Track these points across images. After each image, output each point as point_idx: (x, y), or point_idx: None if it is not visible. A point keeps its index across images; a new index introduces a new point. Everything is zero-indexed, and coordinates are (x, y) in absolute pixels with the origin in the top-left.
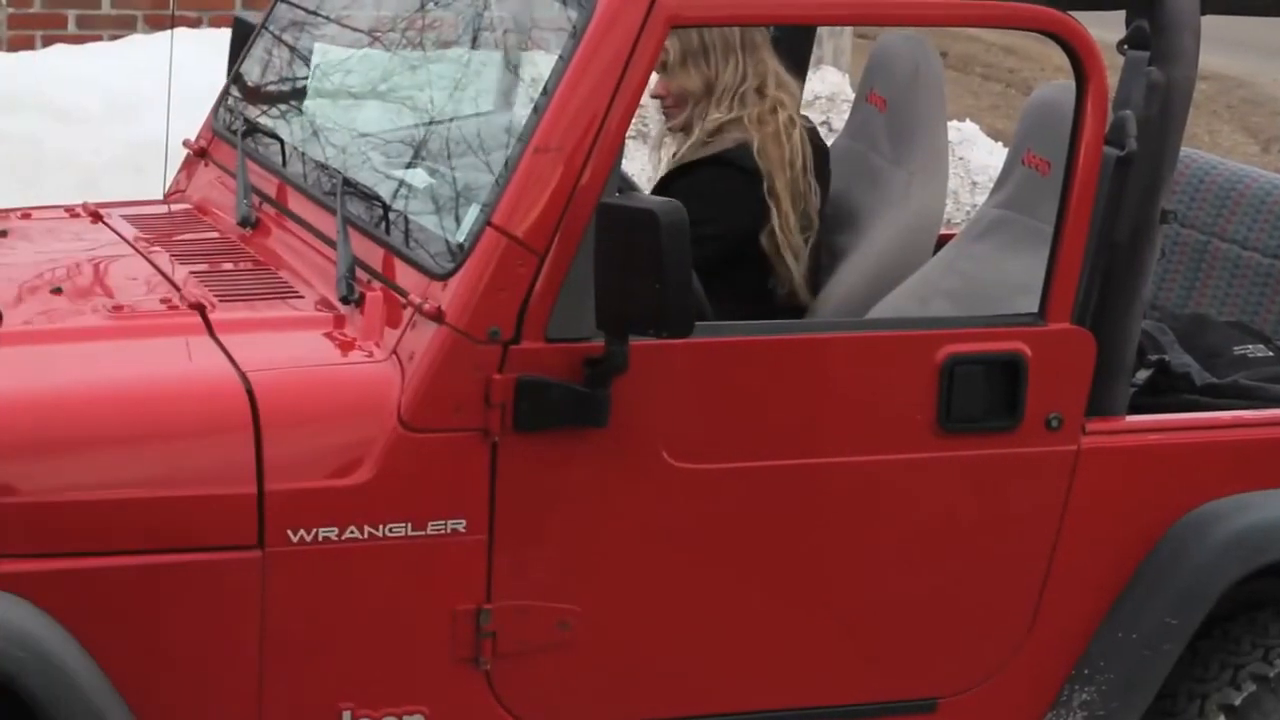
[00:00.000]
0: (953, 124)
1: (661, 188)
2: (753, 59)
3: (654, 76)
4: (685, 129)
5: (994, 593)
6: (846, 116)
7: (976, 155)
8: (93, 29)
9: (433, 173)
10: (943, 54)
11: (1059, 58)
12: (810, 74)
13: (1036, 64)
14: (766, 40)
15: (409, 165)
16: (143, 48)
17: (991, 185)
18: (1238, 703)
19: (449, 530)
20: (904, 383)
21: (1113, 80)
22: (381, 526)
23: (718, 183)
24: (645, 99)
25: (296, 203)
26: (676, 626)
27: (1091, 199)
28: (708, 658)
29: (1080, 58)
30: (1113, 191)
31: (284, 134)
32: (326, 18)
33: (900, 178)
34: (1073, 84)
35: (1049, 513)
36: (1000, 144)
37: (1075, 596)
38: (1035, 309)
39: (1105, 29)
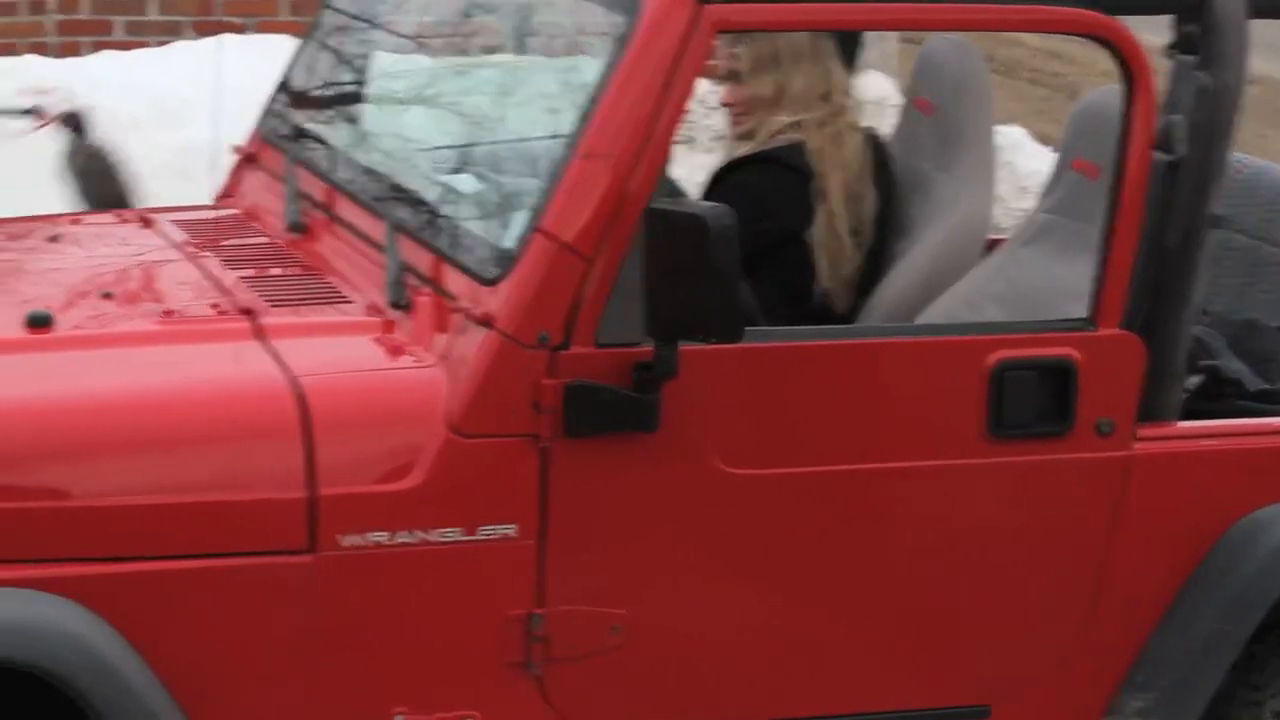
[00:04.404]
0: (999, 128)
1: (711, 185)
2: (821, 68)
3: (709, 85)
4: (751, 136)
5: (1047, 599)
6: (893, 121)
7: (1023, 160)
8: (140, 35)
9: (481, 178)
10: (989, 58)
11: (1106, 62)
12: (856, 79)
13: (1083, 68)
14: (834, 51)
15: (457, 170)
16: (190, 54)
17: (1038, 190)
18: None
19: (499, 535)
20: (954, 388)
21: (1161, 84)
22: (432, 531)
23: (762, 180)
24: (691, 103)
25: (345, 208)
26: (728, 632)
27: (1141, 204)
28: (759, 663)
29: (1128, 62)
30: (1162, 196)
31: (332, 139)
32: (374, 24)
33: (948, 183)
34: (1120, 89)
35: (1101, 519)
36: (1047, 149)
37: (1128, 603)
38: (1085, 314)
39: (1153, 33)
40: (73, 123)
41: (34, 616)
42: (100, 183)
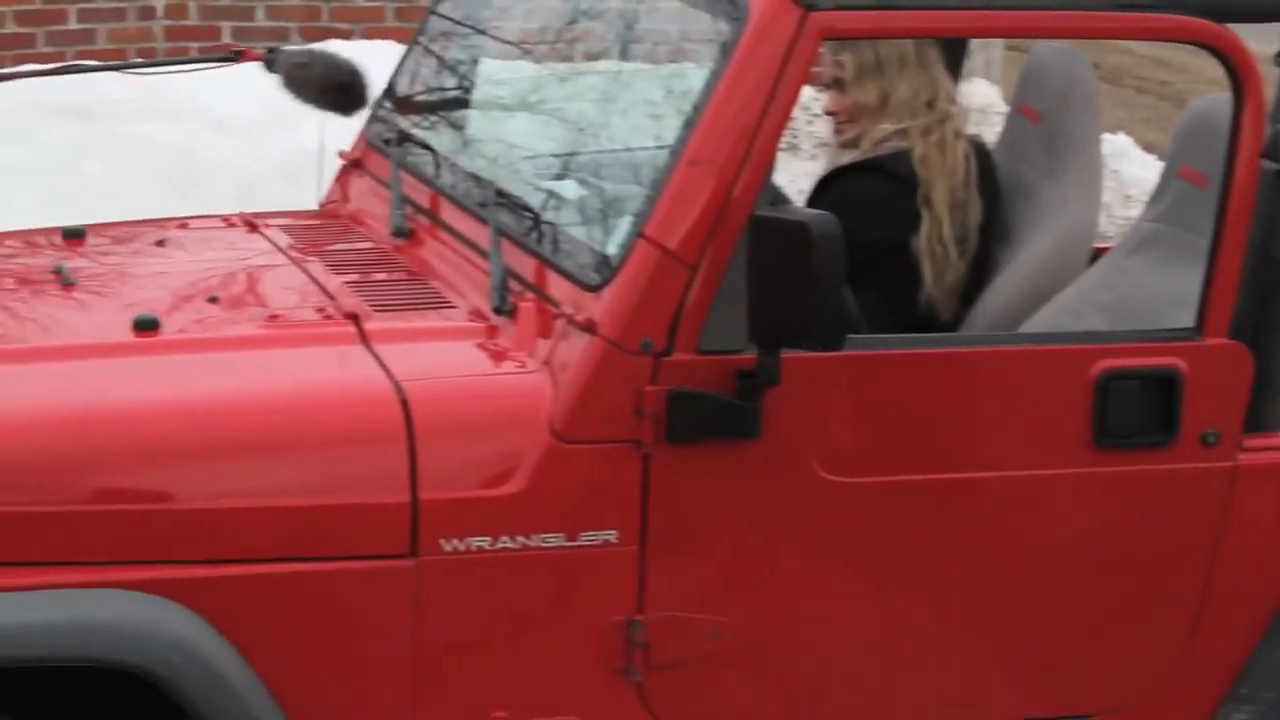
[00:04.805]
0: (1105, 136)
1: (816, 193)
2: (926, 75)
3: (812, 92)
4: (856, 144)
5: (1149, 609)
6: (997, 128)
7: (1129, 168)
8: (248, 41)
9: (584, 184)
10: (1094, 66)
11: (1213, 70)
12: (961, 86)
13: (1189, 76)
14: (939, 58)
15: (560, 177)
16: None
17: (1144, 198)
18: None
19: (601, 541)
20: (1058, 397)
21: (1270, 92)
22: (534, 536)
23: (867, 188)
24: (795, 110)
25: (449, 213)
26: (828, 640)
27: (1249, 213)
28: (859, 672)
29: (1237, 70)
30: (1271, 206)
31: (437, 145)
32: (479, 30)
33: (1054, 191)
34: (1229, 97)
35: (1205, 529)
36: (1153, 157)
37: (1232, 614)
38: (1191, 323)
39: (1262, 42)
40: (272, 55)
41: (140, 618)
42: (316, 76)
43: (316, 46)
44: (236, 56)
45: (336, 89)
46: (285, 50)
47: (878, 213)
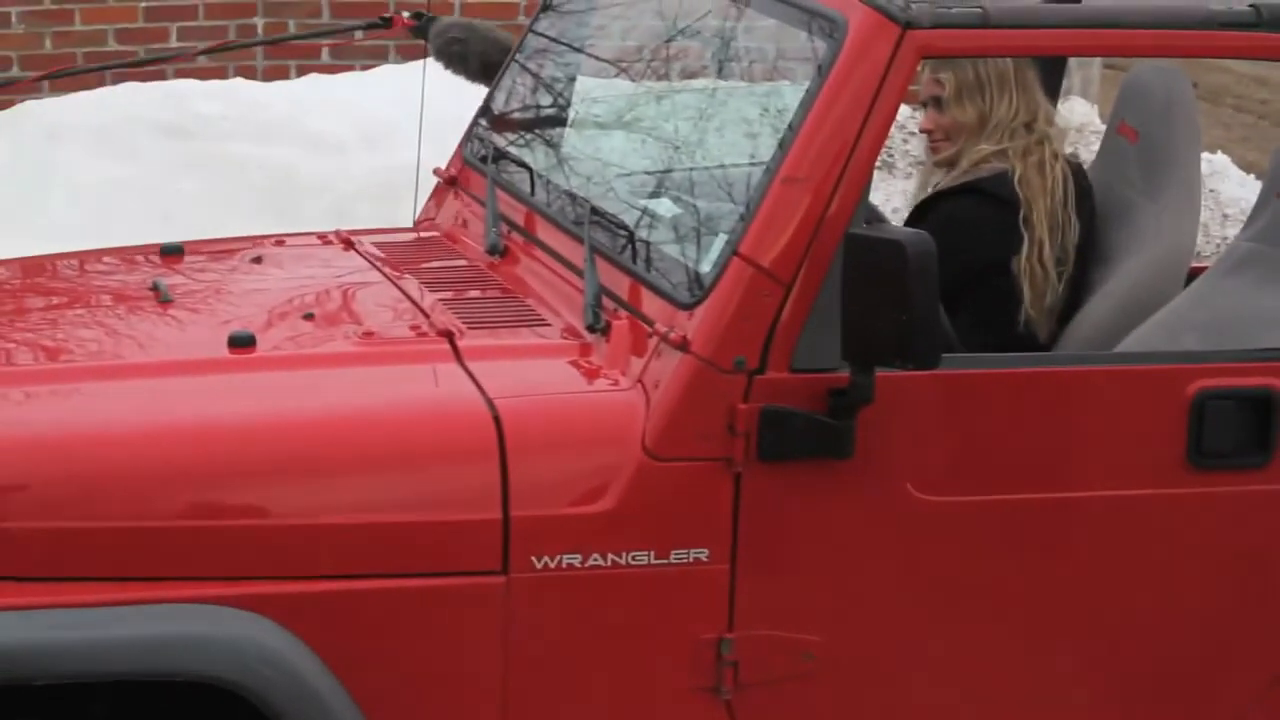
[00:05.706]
0: (1204, 156)
1: (915, 215)
2: (1025, 95)
3: (908, 110)
4: (952, 163)
5: (1245, 629)
6: (1094, 147)
7: (1228, 188)
8: (346, 59)
9: (678, 202)
10: (1193, 85)
11: None
12: (1059, 105)
13: None
14: (1038, 78)
15: (655, 194)
16: (394, 77)
17: (1242, 218)
18: None
19: (691, 559)
20: (1153, 417)
21: None
22: (625, 554)
23: (970, 210)
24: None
25: (544, 231)
26: (920, 660)
27: None
28: (953, 692)
29: None
30: None
31: (532, 163)
32: (576, 49)
33: (1152, 211)
34: None
35: None
36: (1252, 176)
37: None
38: None
39: None
40: (422, 21)
41: (233, 633)
42: (474, 52)
43: (475, 21)
44: (387, 22)
45: (493, 68)
46: (439, 20)
47: (980, 234)
